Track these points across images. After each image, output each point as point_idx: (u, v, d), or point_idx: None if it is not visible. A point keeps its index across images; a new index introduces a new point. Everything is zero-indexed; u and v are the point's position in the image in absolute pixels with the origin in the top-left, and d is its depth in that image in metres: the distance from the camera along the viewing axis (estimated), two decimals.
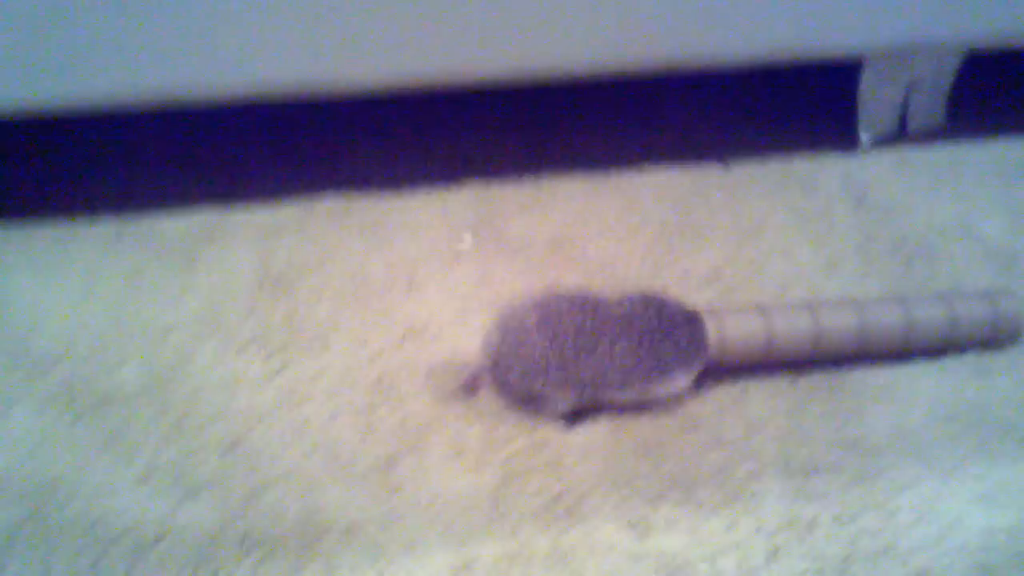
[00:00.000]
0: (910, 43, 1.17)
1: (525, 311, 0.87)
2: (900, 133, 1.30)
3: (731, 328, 0.90)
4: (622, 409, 0.89)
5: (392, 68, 1.05)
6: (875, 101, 1.27)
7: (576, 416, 0.89)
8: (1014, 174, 1.23)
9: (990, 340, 0.96)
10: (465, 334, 0.95)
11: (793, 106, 1.36)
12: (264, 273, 1.03)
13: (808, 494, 0.80)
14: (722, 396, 0.91)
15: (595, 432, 0.86)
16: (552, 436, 0.85)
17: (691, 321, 0.88)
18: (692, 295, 1.00)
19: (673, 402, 0.90)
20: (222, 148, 1.25)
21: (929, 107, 1.28)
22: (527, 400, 0.88)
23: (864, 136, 1.27)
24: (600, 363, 0.85)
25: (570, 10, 1.03)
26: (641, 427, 0.86)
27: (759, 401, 0.90)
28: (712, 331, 0.88)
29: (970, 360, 0.94)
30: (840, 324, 0.90)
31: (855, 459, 0.83)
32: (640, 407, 0.89)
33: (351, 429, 0.85)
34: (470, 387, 0.90)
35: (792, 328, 0.89)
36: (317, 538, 0.76)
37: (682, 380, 0.88)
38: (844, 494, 0.80)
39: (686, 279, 1.04)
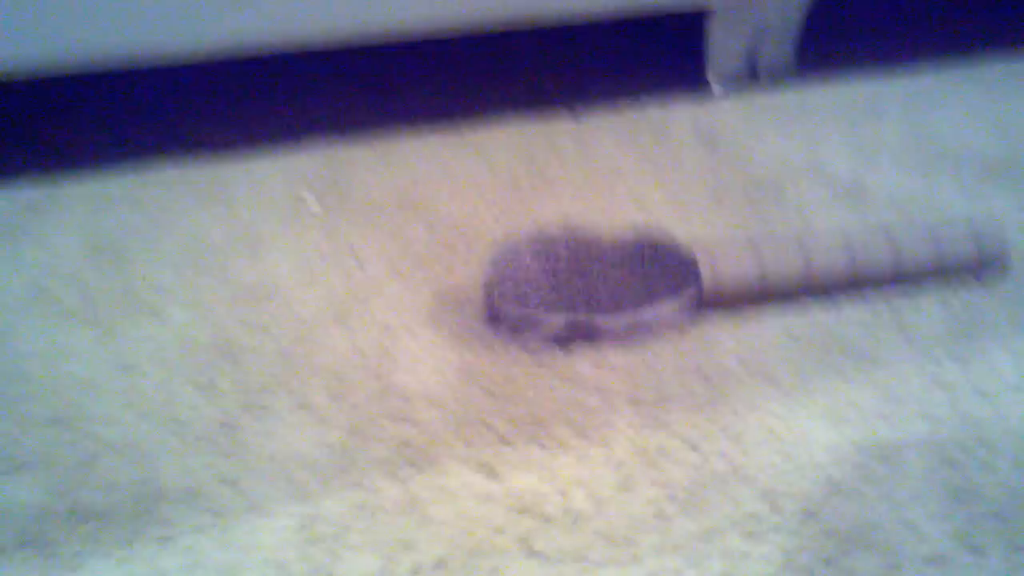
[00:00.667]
0: None
1: (520, 242, 0.91)
2: (750, 78, 1.32)
3: (723, 262, 0.92)
4: (616, 338, 0.90)
5: (227, 28, 1.03)
6: (723, 47, 1.29)
7: (568, 342, 0.90)
8: (861, 114, 1.26)
9: (975, 268, 0.99)
10: (310, 295, 0.93)
11: (645, 54, 1.37)
12: (94, 244, 1.00)
13: (657, 422, 0.81)
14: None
15: (444, 376, 0.85)
16: (399, 384, 0.84)
17: (682, 254, 0.91)
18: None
19: (668, 332, 0.91)
20: (48, 119, 1.20)
21: (777, 52, 1.31)
22: (521, 324, 0.90)
23: (714, 82, 1.29)
24: (591, 288, 0.88)
25: None
26: (489, 368, 0.85)
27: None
28: (704, 264, 0.91)
29: None
30: (830, 258, 0.93)
31: (703, 385, 0.84)
32: (635, 336, 0.91)
33: (188, 393, 0.83)
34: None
35: (784, 263, 0.92)
36: (154, 504, 0.74)
37: (673, 307, 0.90)
38: (692, 420, 0.81)
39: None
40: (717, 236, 1.01)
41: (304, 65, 1.29)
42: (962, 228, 0.95)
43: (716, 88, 1.31)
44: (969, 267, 0.95)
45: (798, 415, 0.82)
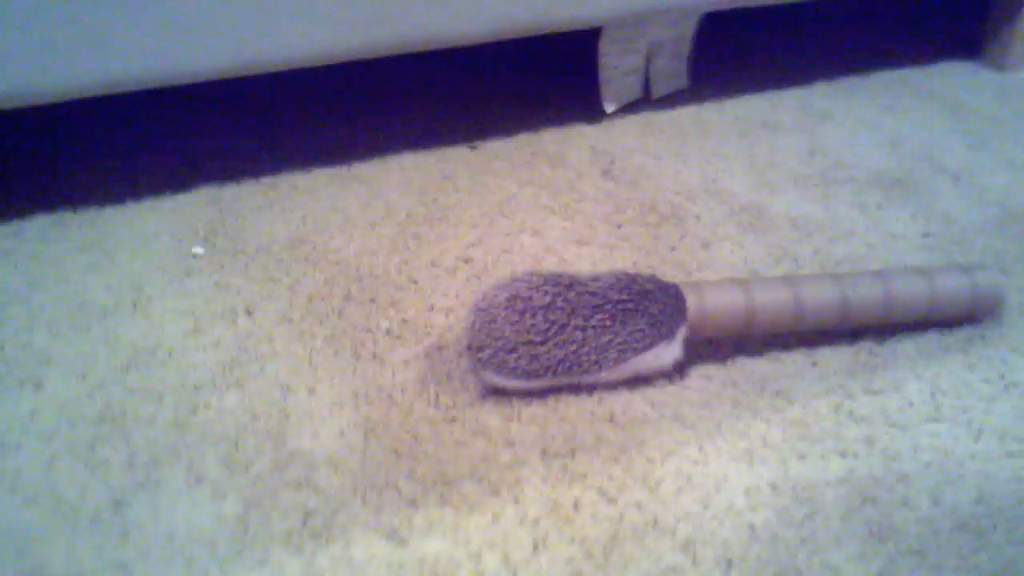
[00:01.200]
0: (642, 9, 1.18)
1: (499, 300, 0.85)
2: (645, 99, 1.31)
3: (711, 299, 0.89)
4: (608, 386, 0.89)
5: (101, 66, 0.98)
6: (616, 69, 1.27)
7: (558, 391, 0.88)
8: (756, 131, 1.26)
9: (970, 315, 0.96)
10: (200, 355, 0.89)
11: (540, 81, 1.35)
12: None
13: (570, 475, 0.79)
14: (477, 384, 0.89)
15: (346, 437, 0.83)
16: (299, 448, 0.80)
17: (667, 293, 0.87)
18: (442, 282, 0.97)
19: (665, 375, 0.89)
20: None
21: (671, 71, 1.30)
22: (504, 387, 0.87)
23: (609, 105, 1.28)
24: (572, 342, 0.84)
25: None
26: (395, 426, 0.82)
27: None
28: (691, 302, 0.87)
29: None
30: (822, 297, 0.90)
31: (615, 432, 0.83)
32: (631, 383, 0.89)
33: (74, 471, 0.79)
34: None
35: (773, 300, 0.89)
36: None
37: (663, 352, 0.87)
38: (606, 470, 0.80)
39: (435, 268, 1.01)
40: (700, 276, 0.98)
41: (186, 106, 1.24)
42: (959, 276, 0.92)
43: (611, 111, 1.29)
44: (963, 315, 0.94)
45: (714, 458, 0.81)
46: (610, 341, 0.83)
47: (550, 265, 1.01)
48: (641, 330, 0.84)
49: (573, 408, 0.85)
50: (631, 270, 0.88)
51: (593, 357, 0.83)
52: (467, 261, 1.03)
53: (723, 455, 0.82)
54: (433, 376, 0.88)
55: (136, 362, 0.89)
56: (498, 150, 1.22)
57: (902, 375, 0.90)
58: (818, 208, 1.12)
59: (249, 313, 0.95)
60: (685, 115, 1.30)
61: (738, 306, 0.88)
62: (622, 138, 1.25)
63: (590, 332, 0.83)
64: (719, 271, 1.02)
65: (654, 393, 0.86)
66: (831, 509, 0.77)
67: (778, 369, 0.89)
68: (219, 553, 0.73)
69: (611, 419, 0.85)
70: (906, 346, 0.93)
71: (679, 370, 0.89)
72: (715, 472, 0.80)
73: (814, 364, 0.91)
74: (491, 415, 0.84)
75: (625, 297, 0.84)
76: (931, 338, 0.94)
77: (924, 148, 1.23)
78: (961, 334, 0.95)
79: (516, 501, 0.77)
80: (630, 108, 1.30)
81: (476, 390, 0.86)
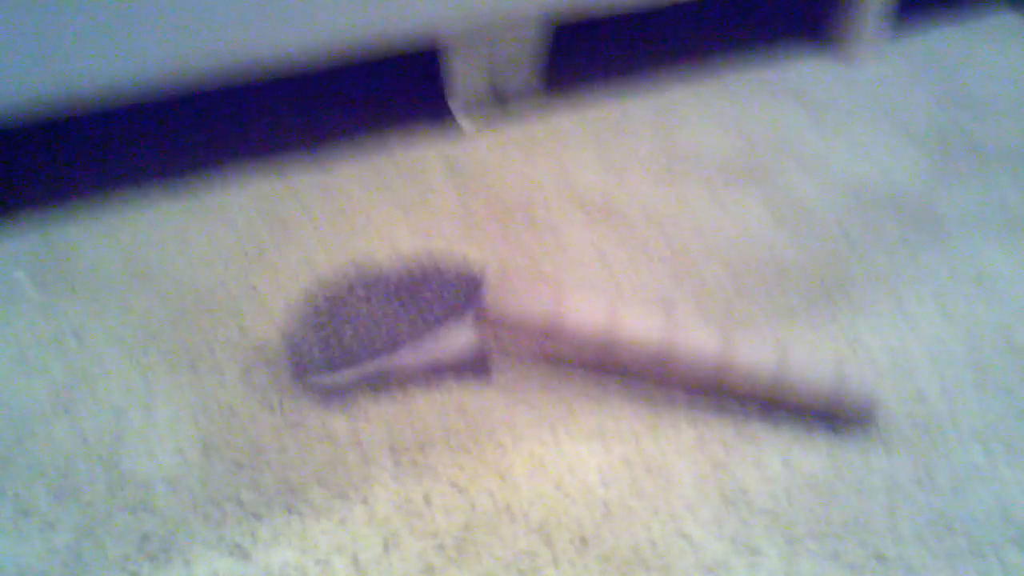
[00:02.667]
0: (484, 19, 1.18)
1: (315, 298, 0.86)
2: (496, 107, 1.32)
3: (517, 295, 0.86)
4: (412, 377, 0.89)
5: None
6: (465, 80, 1.28)
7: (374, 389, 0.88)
8: (610, 133, 1.28)
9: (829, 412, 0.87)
10: (27, 386, 0.89)
11: (389, 93, 1.35)
12: None
13: (419, 470, 0.79)
14: (315, 392, 0.87)
15: (185, 455, 0.82)
16: (135, 471, 0.81)
17: (464, 276, 0.86)
18: (285, 291, 1.00)
19: (470, 365, 0.88)
20: None
21: (520, 79, 1.31)
22: (318, 389, 0.88)
23: (460, 115, 1.28)
24: (367, 332, 0.83)
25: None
26: (235, 439, 0.81)
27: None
28: (492, 289, 0.85)
29: None
30: (644, 337, 0.83)
31: (465, 423, 0.83)
32: (432, 369, 0.88)
33: None
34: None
35: (587, 314, 0.84)
36: None
37: (457, 333, 0.86)
38: (457, 461, 0.79)
39: (277, 277, 0.99)
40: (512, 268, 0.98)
41: (7, 135, 1.20)
42: (829, 371, 0.85)
43: (462, 121, 1.29)
44: (817, 406, 0.86)
45: (565, 439, 0.82)
46: (397, 315, 0.84)
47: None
48: (430, 307, 0.84)
49: (422, 402, 0.85)
50: (436, 252, 0.88)
51: (386, 336, 0.83)
52: (310, 265, 1.01)
53: (575, 435, 0.82)
54: (276, 384, 0.86)
55: None
56: (348, 167, 1.21)
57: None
58: (669, 200, 1.14)
59: (78, 336, 0.92)
60: (537, 123, 1.31)
61: (544, 312, 0.85)
62: (474, 148, 1.25)
63: (377, 309, 0.84)
64: (568, 260, 1.02)
65: (504, 379, 0.87)
66: (684, 478, 0.78)
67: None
68: None
69: (460, 409, 0.84)
70: (754, 317, 0.95)
71: (483, 366, 0.88)
72: (567, 453, 0.81)
73: None
74: (337, 418, 0.84)
75: (414, 275, 0.85)
76: (778, 305, 0.96)
77: (775, 139, 1.26)
78: (807, 299, 0.96)
79: (365, 502, 0.77)
80: (481, 118, 1.31)
81: (319, 396, 0.85)
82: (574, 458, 0.80)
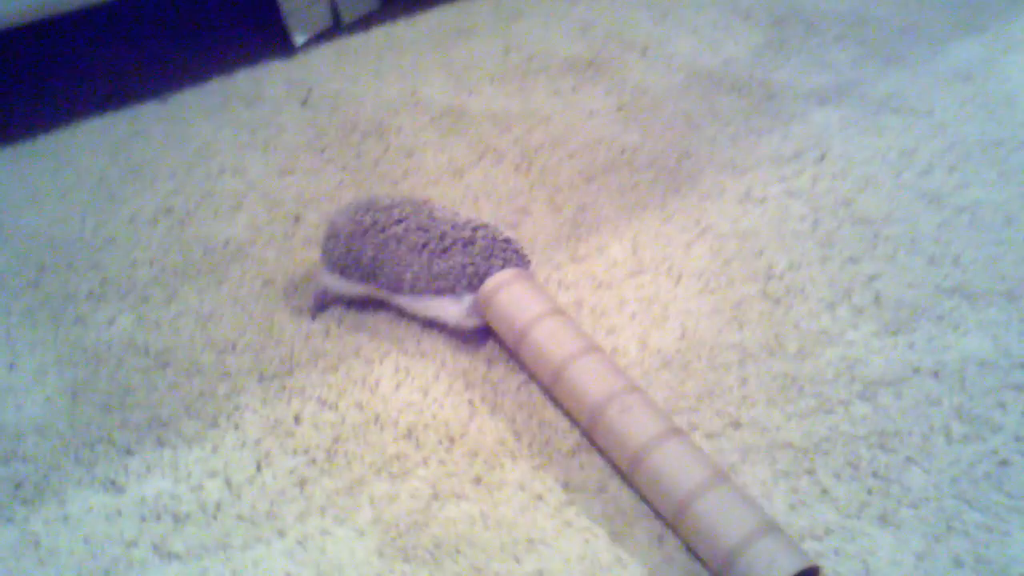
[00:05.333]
0: None
1: (346, 210, 0.89)
2: (336, 26, 1.33)
3: (505, 296, 0.84)
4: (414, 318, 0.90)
5: None
6: (298, 1, 1.28)
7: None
8: (452, 39, 1.30)
9: None
10: None
11: (227, 23, 1.35)
12: None
13: (289, 392, 0.81)
14: (189, 325, 0.91)
15: (54, 403, 0.85)
16: (4, 423, 0.83)
17: (486, 261, 0.86)
18: (143, 237, 1.01)
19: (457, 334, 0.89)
20: None
21: None
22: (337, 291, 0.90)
23: (298, 37, 1.29)
24: (387, 263, 0.86)
25: None
26: (104, 383, 0.84)
27: (230, 320, 0.92)
28: (489, 285, 0.85)
29: None
30: (585, 402, 0.78)
31: (332, 345, 0.86)
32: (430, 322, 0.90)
33: None
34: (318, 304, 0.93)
35: (547, 347, 0.81)
36: None
37: (448, 305, 0.87)
38: (325, 380, 0.82)
39: (134, 223, 1.01)
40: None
41: None
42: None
43: (300, 42, 1.30)
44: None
45: (429, 347, 0.86)
46: (408, 269, 0.86)
47: (254, 198, 1.02)
48: (439, 277, 0.85)
49: (288, 330, 0.87)
50: (493, 229, 0.88)
51: (392, 276, 0.86)
52: (167, 211, 1.03)
53: (439, 340, 0.85)
54: (141, 326, 0.89)
55: None
56: (190, 98, 1.22)
57: (605, 239, 0.95)
58: (516, 101, 1.17)
59: None
60: (378, 36, 1.32)
61: (512, 327, 0.84)
62: (317, 67, 1.27)
63: (397, 253, 0.86)
64: (424, 177, 1.05)
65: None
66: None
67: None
68: None
69: (327, 333, 0.87)
70: (606, 211, 0.98)
71: (469, 338, 0.90)
72: (432, 359, 0.84)
73: (522, 243, 0.95)
74: (204, 353, 0.86)
75: (445, 243, 0.85)
76: (628, 198, 0.99)
77: (613, 29, 1.30)
78: (656, 188, 1.00)
79: (236, 428, 0.79)
80: (322, 38, 1.32)
81: (187, 333, 0.89)
82: (440, 364, 0.83)
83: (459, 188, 1.03)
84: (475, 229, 0.85)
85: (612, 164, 1.05)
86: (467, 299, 0.84)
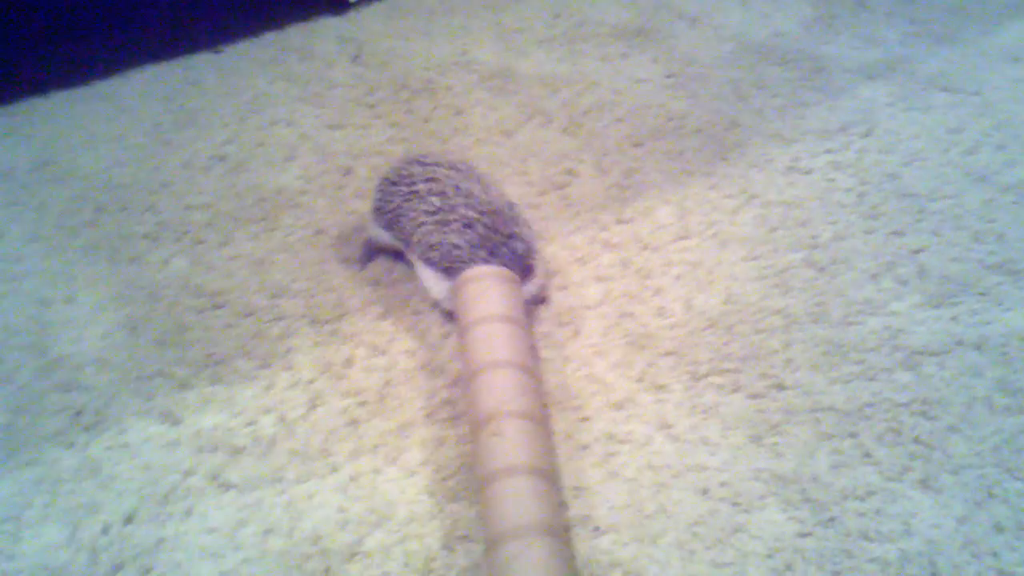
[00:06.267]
0: None
1: (396, 166, 0.89)
2: None
3: (474, 285, 0.82)
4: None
5: None
6: None
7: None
8: (500, 3, 1.30)
9: None
10: None
11: None
12: None
13: (341, 337, 0.83)
14: (242, 268, 0.92)
15: (112, 337, 0.86)
16: (64, 354, 0.84)
17: (495, 252, 0.84)
18: (196, 182, 1.03)
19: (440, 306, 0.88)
20: None
21: None
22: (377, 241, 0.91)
23: None
24: (419, 223, 0.85)
25: None
26: (160, 320, 0.86)
27: (283, 265, 0.93)
28: (467, 274, 0.82)
29: None
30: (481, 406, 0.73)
31: (381, 294, 0.87)
32: None
33: None
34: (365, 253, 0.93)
35: (475, 343, 0.78)
36: None
37: (435, 282, 0.86)
38: (375, 327, 0.84)
39: (188, 169, 1.02)
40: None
41: None
42: None
43: None
44: None
45: None
46: (417, 229, 0.85)
47: (306, 150, 1.04)
48: (432, 248, 0.85)
49: (339, 278, 0.89)
50: (503, 218, 0.85)
51: (406, 231, 0.86)
52: (221, 159, 1.04)
53: None
54: (196, 268, 0.90)
55: None
56: (244, 50, 1.23)
57: (651, 202, 0.96)
58: (564, 65, 1.18)
59: None
60: None
61: (467, 317, 0.80)
62: (369, 25, 1.28)
63: (414, 209, 0.86)
64: (473, 136, 1.06)
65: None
66: (591, 328, 0.83)
67: (533, 214, 0.94)
68: None
69: (377, 283, 0.88)
70: (652, 176, 0.99)
71: (445, 316, 0.89)
72: None
73: (568, 205, 0.96)
74: (257, 296, 0.87)
75: (449, 216, 0.84)
76: (675, 163, 1.00)
77: (664, 0, 1.30)
78: (703, 155, 1.01)
79: (288, 368, 0.81)
80: None
81: (241, 276, 0.91)
82: None
83: (507, 148, 1.04)
84: (482, 213, 0.82)
85: (660, 130, 1.06)
86: (445, 281, 0.83)
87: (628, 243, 0.92)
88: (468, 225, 0.82)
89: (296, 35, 1.25)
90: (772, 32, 1.22)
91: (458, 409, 0.77)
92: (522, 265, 0.82)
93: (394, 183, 0.86)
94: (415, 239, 0.84)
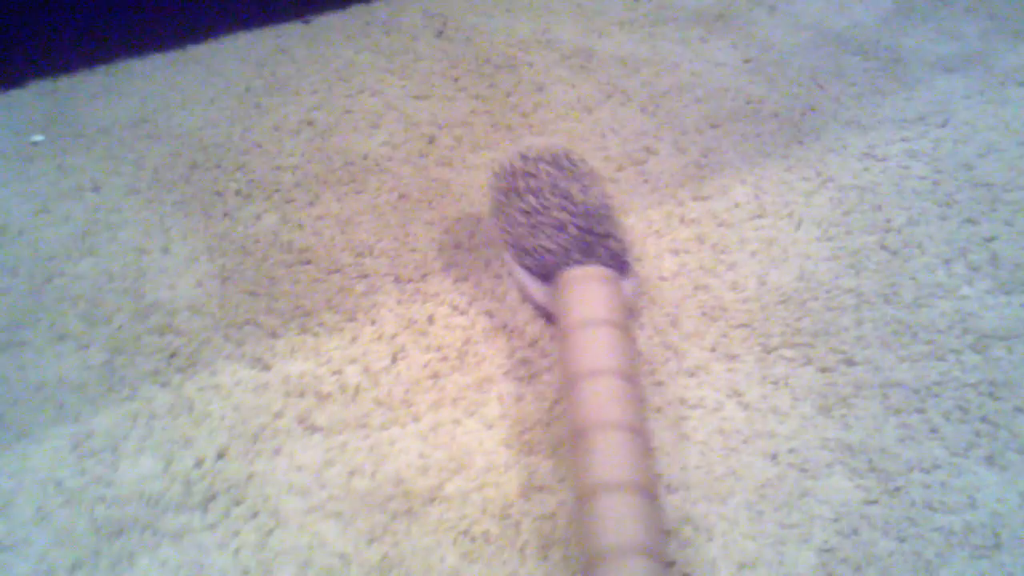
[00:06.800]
0: None
1: (516, 156, 0.86)
2: None
3: (574, 288, 0.80)
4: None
5: None
6: None
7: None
8: None
9: None
10: (51, 231, 0.96)
11: None
12: None
13: (423, 296, 0.85)
14: (330, 227, 0.95)
15: (205, 286, 0.89)
16: (159, 300, 0.88)
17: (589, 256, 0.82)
18: (286, 144, 1.06)
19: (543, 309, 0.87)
20: None
21: None
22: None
23: None
24: (506, 222, 0.84)
25: None
26: (251, 272, 0.88)
27: (368, 226, 0.95)
28: (565, 276, 0.80)
29: None
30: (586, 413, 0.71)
31: (463, 257, 0.90)
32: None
33: None
34: None
35: (580, 355, 0.75)
36: None
37: (529, 280, 0.85)
38: (457, 288, 0.86)
39: (278, 132, 1.05)
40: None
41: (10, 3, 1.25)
42: None
43: None
44: None
45: None
46: (510, 227, 0.85)
47: (391, 118, 1.06)
48: (524, 253, 0.84)
49: (423, 240, 0.91)
50: (597, 219, 0.84)
51: (502, 226, 0.86)
52: (310, 123, 1.07)
53: None
54: (285, 225, 0.93)
55: None
56: (332, 22, 1.26)
57: (727, 181, 0.98)
58: (644, 47, 1.19)
59: (96, 189, 0.98)
60: None
61: (566, 320, 0.78)
62: (453, 1, 1.30)
63: (511, 205, 0.85)
64: (554, 111, 1.08)
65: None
66: (666, 298, 0.85)
67: (611, 188, 0.96)
68: (88, 394, 0.78)
69: (459, 246, 0.91)
70: (729, 156, 1.01)
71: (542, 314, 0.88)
72: None
73: (645, 181, 0.98)
74: (343, 254, 0.90)
75: (541, 219, 0.83)
76: (751, 145, 1.02)
77: None
78: (780, 138, 1.02)
79: (372, 323, 0.84)
80: None
81: (328, 235, 0.94)
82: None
83: (587, 123, 1.06)
84: (575, 215, 0.80)
85: (737, 113, 1.07)
86: (538, 282, 0.82)
87: (704, 219, 0.93)
88: (560, 227, 0.80)
89: (382, 9, 1.28)
90: (850, 22, 1.22)
91: (535, 369, 0.78)
92: (619, 263, 0.81)
93: (497, 175, 0.86)
94: (509, 240, 0.84)
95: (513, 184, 0.84)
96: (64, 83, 1.14)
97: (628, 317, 0.80)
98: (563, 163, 0.84)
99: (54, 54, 1.18)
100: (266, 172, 1.00)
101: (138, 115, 1.09)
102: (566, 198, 0.81)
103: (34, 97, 1.12)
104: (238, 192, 0.97)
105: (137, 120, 1.08)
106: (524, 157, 0.85)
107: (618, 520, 0.64)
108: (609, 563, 0.62)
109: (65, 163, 1.02)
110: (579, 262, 0.79)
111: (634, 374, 0.75)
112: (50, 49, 1.20)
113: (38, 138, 1.05)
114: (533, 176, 0.83)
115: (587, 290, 0.79)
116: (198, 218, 0.94)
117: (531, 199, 0.82)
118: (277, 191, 0.97)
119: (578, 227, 0.80)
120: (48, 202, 0.96)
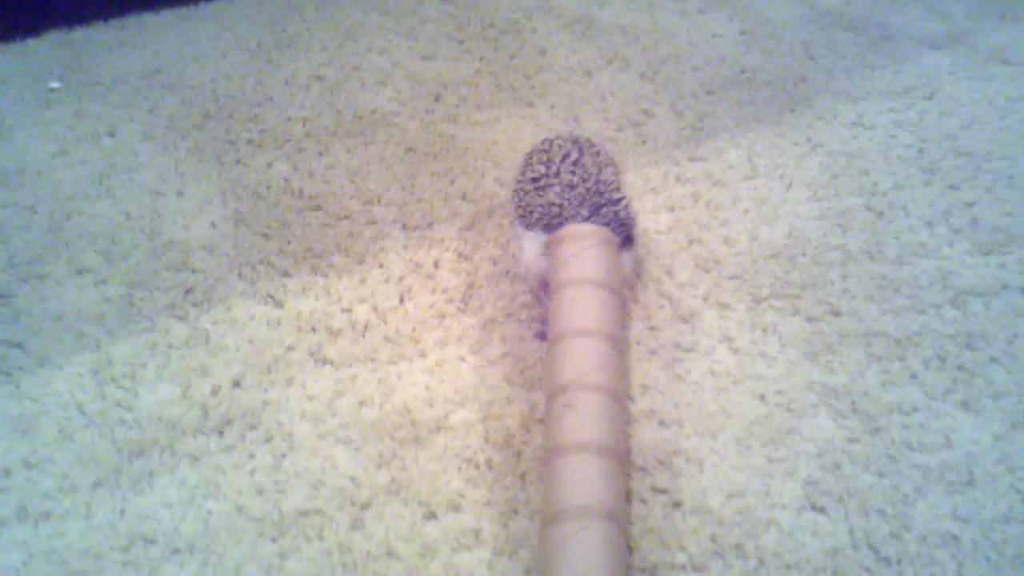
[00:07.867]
0: None
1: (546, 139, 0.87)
2: None
3: (571, 244, 0.78)
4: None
5: None
6: None
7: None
8: None
9: None
10: (69, 172, 0.98)
11: None
12: None
13: (429, 242, 0.87)
14: (339, 176, 0.97)
15: (219, 228, 0.91)
16: (175, 239, 0.90)
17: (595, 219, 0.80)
18: (297, 97, 1.07)
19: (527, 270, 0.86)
20: None
21: None
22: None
23: None
24: (550, 196, 0.81)
25: None
26: (264, 215, 0.90)
27: (376, 176, 0.97)
28: (566, 230, 0.79)
29: None
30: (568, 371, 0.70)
31: (469, 207, 0.93)
32: None
33: None
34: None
35: (565, 305, 0.74)
36: None
37: (530, 243, 0.83)
38: (462, 236, 0.89)
39: (289, 86, 1.07)
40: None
41: None
42: None
43: None
44: None
45: None
46: (523, 197, 0.84)
47: (398, 76, 1.09)
48: (528, 210, 0.82)
49: (428, 191, 0.93)
50: (609, 186, 0.83)
51: (513, 201, 0.86)
52: (320, 79, 1.09)
53: None
54: (296, 173, 0.95)
55: (4, 183, 0.93)
56: None
57: (722, 144, 1.00)
58: (644, 17, 1.22)
59: (112, 135, 1.00)
60: None
61: (561, 275, 0.77)
62: None
63: (521, 177, 0.86)
64: (556, 74, 1.10)
65: (501, 173, 0.97)
66: (662, 249, 0.88)
67: (610, 147, 1.00)
68: (107, 325, 0.80)
69: (464, 196, 0.93)
70: (724, 121, 1.03)
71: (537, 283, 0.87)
72: None
73: (644, 141, 1.00)
74: (352, 201, 0.92)
75: (551, 181, 0.83)
76: (746, 111, 1.04)
77: None
78: (773, 106, 1.05)
79: (381, 266, 0.86)
80: None
81: (337, 183, 0.96)
82: None
83: (588, 87, 1.08)
84: (585, 179, 0.80)
85: (733, 81, 1.09)
86: (542, 238, 0.80)
87: (699, 178, 0.96)
88: (571, 187, 0.80)
89: None
90: (843, 0, 1.25)
91: (536, 313, 0.81)
92: (625, 233, 0.80)
93: (523, 159, 0.86)
94: (518, 203, 0.83)
95: (528, 160, 0.85)
96: (79, 34, 1.16)
97: (621, 284, 0.79)
98: (581, 141, 0.85)
99: (69, 6, 1.20)
100: (277, 123, 1.02)
101: (152, 66, 1.11)
102: (579, 166, 0.81)
103: (50, 46, 1.13)
104: (250, 141, 0.99)
105: (151, 71, 1.10)
106: (545, 139, 0.86)
107: (581, 481, 0.63)
108: (569, 523, 0.61)
109: (82, 109, 1.03)
110: (585, 219, 0.78)
111: (619, 338, 0.74)
112: (65, 1, 1.21)
113: (55, 84, 1.06)
114: (547, 152, 0.84)
115: (586, 248, 0.77)
116: (212, 164, 0.96)
117: (540, 167, 0.82)
118: (288, 141, 0.99)
119: (588, 189, 0.80)
120: (66, 145, 0.98)
